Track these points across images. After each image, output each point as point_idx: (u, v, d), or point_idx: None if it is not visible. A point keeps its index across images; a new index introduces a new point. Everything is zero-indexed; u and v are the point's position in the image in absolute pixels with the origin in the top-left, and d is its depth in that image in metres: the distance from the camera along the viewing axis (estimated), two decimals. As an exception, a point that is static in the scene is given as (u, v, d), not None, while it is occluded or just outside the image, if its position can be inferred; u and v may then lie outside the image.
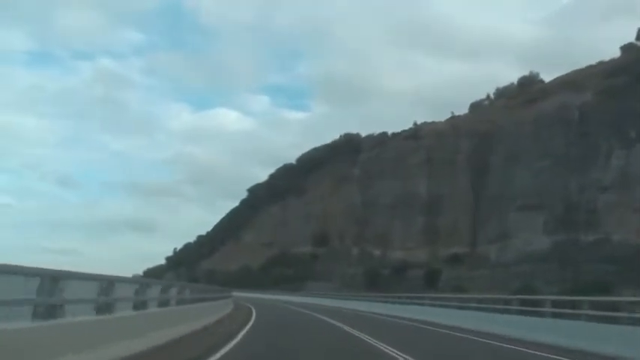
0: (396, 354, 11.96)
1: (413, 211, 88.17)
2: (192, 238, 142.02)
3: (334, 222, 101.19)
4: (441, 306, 28.76)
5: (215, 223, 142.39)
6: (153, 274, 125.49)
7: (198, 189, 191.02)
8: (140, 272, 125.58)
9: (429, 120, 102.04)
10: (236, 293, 79.03)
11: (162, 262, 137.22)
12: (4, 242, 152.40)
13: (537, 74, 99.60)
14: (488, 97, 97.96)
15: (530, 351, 14.28)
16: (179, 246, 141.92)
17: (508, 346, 15.62)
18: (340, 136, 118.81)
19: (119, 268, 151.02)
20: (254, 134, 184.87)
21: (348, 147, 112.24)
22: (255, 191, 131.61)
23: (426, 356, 13.12)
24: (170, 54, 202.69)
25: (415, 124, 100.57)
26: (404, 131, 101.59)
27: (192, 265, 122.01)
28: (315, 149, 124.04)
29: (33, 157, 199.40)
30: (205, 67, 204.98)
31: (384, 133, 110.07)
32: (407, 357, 11.47)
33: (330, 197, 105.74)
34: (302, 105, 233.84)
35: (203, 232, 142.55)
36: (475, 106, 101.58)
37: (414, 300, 34.46)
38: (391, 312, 32.39)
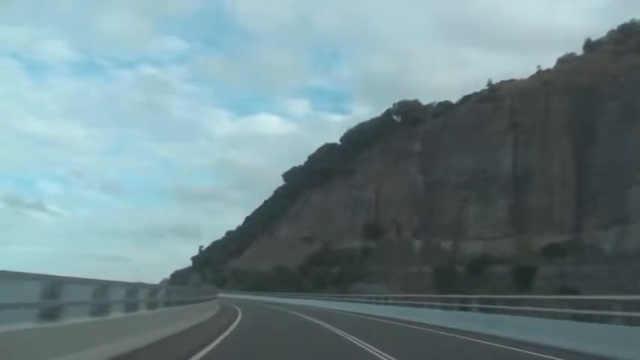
0: None
1: (494, 192, 76.41)
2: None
3: (390, 209, 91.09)
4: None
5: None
6: (180, 276, 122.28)
7: (243, 193, 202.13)
8: (168, 276, 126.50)
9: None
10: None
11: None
12: (55, 250, 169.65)
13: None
14: (588, 42, 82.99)
15: None
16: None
17: None
18: (394, 104, 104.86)
19: (163, 274, 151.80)
20: (296, 138, 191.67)
21: (405, 117, 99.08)
22: (291, 177, 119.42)
23: None
24: (211, 59, 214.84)
25: (490, 83, 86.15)
26: (476, 94, 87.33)
27: (218, 265, 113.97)
28: (363, 124, 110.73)
29: (80, 165, 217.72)
30: (246, 72, 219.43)
31: (448, 102, 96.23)
32: None
33: (384, 179, 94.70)
34: (343, 108, 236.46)
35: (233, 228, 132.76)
36: (564, 62, 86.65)
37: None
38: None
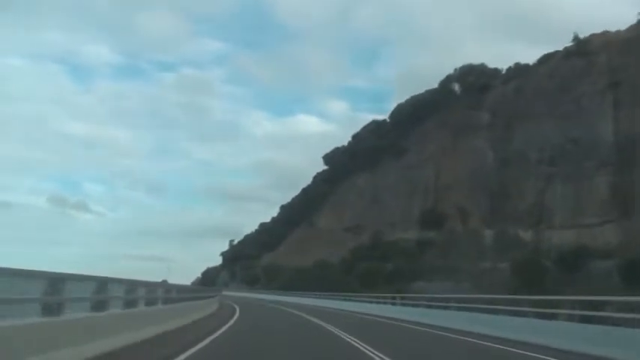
0: None
1: (589, 167, 64.76)
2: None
3: (452, 193, 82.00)
4: None
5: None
6: (210, 275, 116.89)
7: (283, 193, 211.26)
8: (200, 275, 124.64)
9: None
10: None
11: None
12: (99, 251, 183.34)
13: None
14: None
15: None
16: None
17: None
18: (455, 69, 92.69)
19: (198, 274, 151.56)
20: (336, 139, 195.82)
21: (468, 84, 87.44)
22: (333, 159, 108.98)
23: None
24: (249, 60, 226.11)
25: (576, 37, 73.39)
26: (558, 52, 74.88)
27: (250, 261, 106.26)
28: (415, 97, 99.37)
29: (123, 166, 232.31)
30: (284, 72, 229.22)
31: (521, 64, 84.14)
32: None
33: (444, 157, 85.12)
34: (383, 108, 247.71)
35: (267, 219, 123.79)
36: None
37: None
38: None
